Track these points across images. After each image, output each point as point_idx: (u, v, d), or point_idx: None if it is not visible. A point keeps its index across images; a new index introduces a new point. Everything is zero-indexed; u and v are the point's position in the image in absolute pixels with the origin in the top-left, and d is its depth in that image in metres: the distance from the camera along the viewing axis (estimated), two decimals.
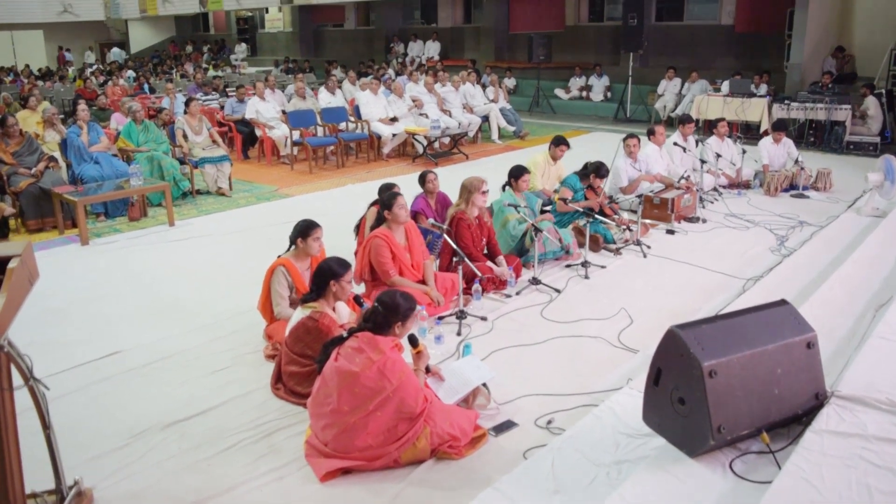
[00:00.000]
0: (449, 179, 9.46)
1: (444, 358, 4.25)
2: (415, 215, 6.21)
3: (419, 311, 3.71)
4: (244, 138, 11.06)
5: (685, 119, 8.54)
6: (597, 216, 5.93)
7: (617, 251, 6.20)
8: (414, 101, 11.58)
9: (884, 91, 11.25)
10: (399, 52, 20.97)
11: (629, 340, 4.44)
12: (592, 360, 4.22)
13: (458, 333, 4.59)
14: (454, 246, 4.83)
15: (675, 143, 8.19)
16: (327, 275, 3.84)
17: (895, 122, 11.70)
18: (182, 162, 8.58)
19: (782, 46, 13.79)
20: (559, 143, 7.55)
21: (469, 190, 5.42)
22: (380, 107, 11.01)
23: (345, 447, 3.22)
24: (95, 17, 28.09)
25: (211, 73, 20.40)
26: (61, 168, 7.72)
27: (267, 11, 26.42)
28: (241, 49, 26.44)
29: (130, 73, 20.79)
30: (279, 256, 4.55)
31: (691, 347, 2.61)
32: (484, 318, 4.81)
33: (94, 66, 23.81)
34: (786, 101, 11.43)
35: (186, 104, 9.10)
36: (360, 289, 5.14)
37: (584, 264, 5.72)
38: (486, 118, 12.49)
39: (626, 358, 4.24)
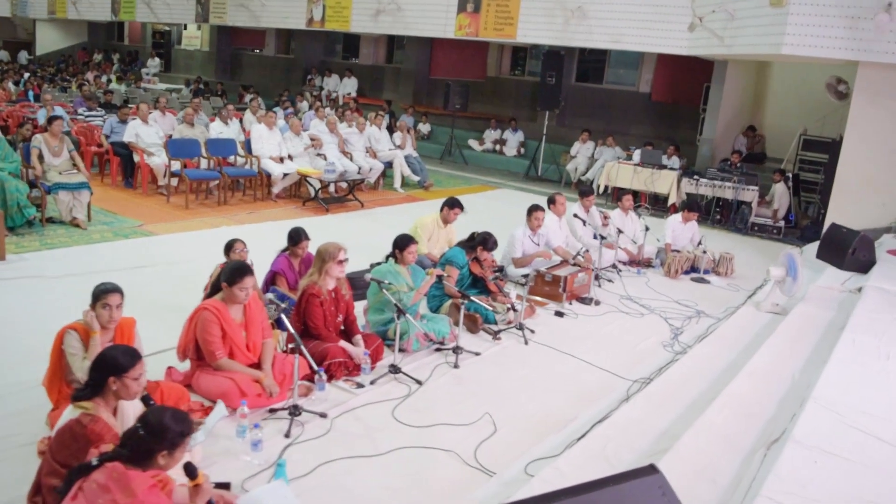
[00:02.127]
0: (342, 228, 8.80)
1: (259, 471, 3.46)
2: (273, 276, 5.47)
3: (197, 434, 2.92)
4: (124, 163, 10.02)
5: (586, 191, 8.11)
6: (473, 299, 5.30)
7: (496, 335, 5.56)
8: (312, 139, 10.84)
9: (790, 175, 11.24)
10: (316, 84, 20.25)
11: (486, 458, 3.76)
12: (439, 484, 3.52)
13: (287, 435, 3.81)
14: (290, 329, 4.07)
15: (576, 216, 7.72)
16: (107, 368, 3.03)
17: (799, 207, 11.73)
18: (33, 185, 7.55)
19: (697, 119, 13.81)
20: (453, 205, 6.97)
21: (323, 258, 4.69)
22: (273, 143, 10.21)
23: None
24: (1, 12, 26.31)
25: (114, 85, 19.15)
26: None
27: (185, 28, 25.29)
28: (155, 63, 25.16)
29: (27, 75, 19.33)
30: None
31: None
32: (323, 415, 4.04)
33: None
34: (695, 176, 11.27)
35: (49, 122, 8.09)
36: (184, 365, 4.32)
37: (456, 350, 5.05)
38: (389, 164, 11.86)
39: (478, 482, 3.56)
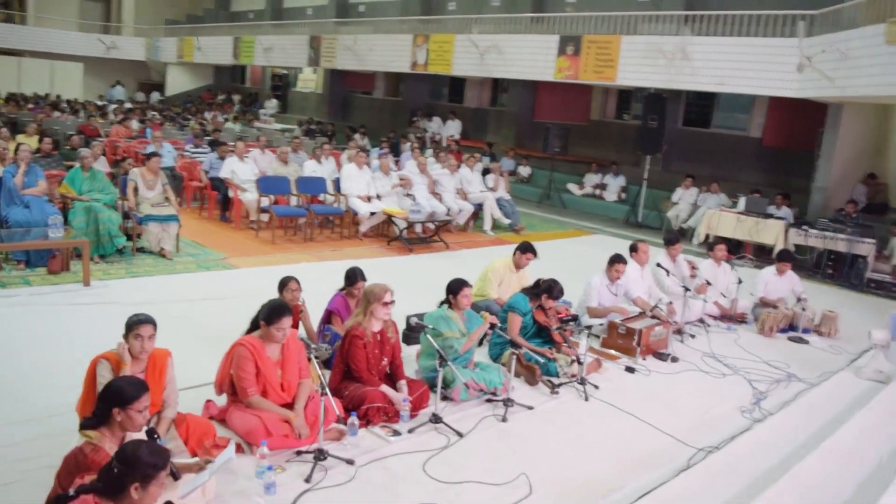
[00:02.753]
0: (424, 268, 8.71)
1: None
2: (328, 315, 5.42)
3: (171, 475, 2.79)
4: (221, 198, 10.43)
5: (672, 239, 7.66)
6: (529, 347, 5.03)
7: (554, 388, 5.23)
8: (401, 179, 10.91)
9: None
10: (421, 126, 20.58)
11: None
12: None
13: (307, 480, 3.67)
14: (318, 372, 3.95)
15: (659, 265, 7.27)
16: (112, 399, 3.01)
17: None
18: (127, 216, 7.95)
19: (811, 166, 12.93)
20: (525, 250, 6.73)
21: (369, 300, 4.57)
22: (362, 182, 10.33)
23: None
24: (137, 56, 28.57)
25: (229, 124, 20.15)
26: None
27: (301, 71, 26.49)
28: (272, 105, 26.46)
29: (153, 114, 20.71)
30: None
31: None
32: (350, 462, 3.88)
33: (123, 104, 23.96)
34: (804, 227, 10.48)
35: (147, 157, 8.52)
36: (220, 400, 4.28)
37: (507, 402, 4.78)
38: (480, 206, 11.75)
39: None
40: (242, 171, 10.12)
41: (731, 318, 7.50)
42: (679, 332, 6.78)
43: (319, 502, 3.52)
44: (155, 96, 27.74)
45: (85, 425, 3.03)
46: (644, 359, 6.11)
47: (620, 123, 17.74)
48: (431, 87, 21.91)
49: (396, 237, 9.95)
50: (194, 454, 3.70)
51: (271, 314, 4.03)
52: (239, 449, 3.81)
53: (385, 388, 4.54)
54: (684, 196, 13.20)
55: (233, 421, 4.03)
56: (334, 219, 10.45)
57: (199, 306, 6.51)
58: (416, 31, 17.86)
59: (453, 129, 19.91)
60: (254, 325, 4.32)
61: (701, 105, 15.92)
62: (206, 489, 3.37)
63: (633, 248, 7.23)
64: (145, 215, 7.91)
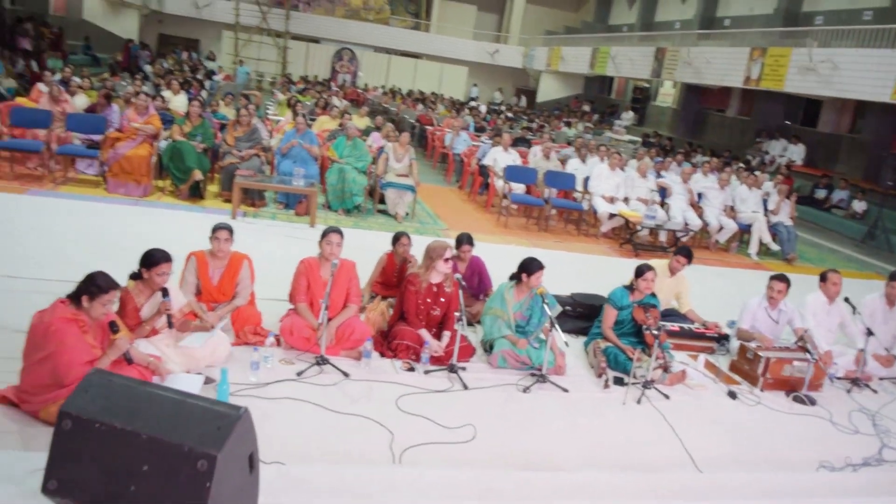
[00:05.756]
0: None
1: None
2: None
3: (109, 300, 3.64)
4: (484, 181, 11.53)
5: None
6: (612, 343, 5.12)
7: (606, 383, 5.12)
8: (662, 186, 10.73)
9: None
10: (763, 148, 19.21)
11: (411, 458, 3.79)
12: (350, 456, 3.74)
13: (298, 374, 4.45)
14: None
15: (846, 300, 6.25)
16: (143, 261, 4.13)
17: None
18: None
19: None
20: (679, 253, 6.49)
21: (430, 255, 5.11)
22: (611, 183, 10.45)
23: (16, 383, 3.58)
24: (515, 64, 31.41)
25: (571, 131, 21.16)
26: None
27: (662, 85, 26.42)
28: (628, 116, 26.92)
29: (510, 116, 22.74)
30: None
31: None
32: (345, 374, 4.54)
33: (497, 105, 26.78)
34: None
35: (399, 133, 10.00)
36: None
37: (541, 377, 4.90)
38: (749, 227, 10.92)
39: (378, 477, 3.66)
40: (503, 160, 11.02)
41: None
42: (855, 381, 5.85)
43: (292, 389, 4.26)
44: (515, 99, 30.20)
45: (131, 276, 4.21)
46: (767, 391, 5.48)
47: None
48: (785, 108, 20.22)
49: (627, 240, 9.93)
50: (237, 334, 4.74)
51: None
52: (276, 342, 4.74)
53: (423, 331, 5.04)
54: None
55: (281, 319, 4.96)
56: (578, 215, 10.72)
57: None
58: (773, 44, 16.76)
59: (796, 153, 18.23)
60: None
61: None
62: (218, 349, 4.36)
63: (822, 278, 6.36)
64: (386, 182, 9.30)
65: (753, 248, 10.85)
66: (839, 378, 5.95)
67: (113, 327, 3.61)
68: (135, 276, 4.18)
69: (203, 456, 2.21)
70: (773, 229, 10.95)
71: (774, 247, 10.90)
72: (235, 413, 2.34)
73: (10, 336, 4.09)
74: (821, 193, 15.40)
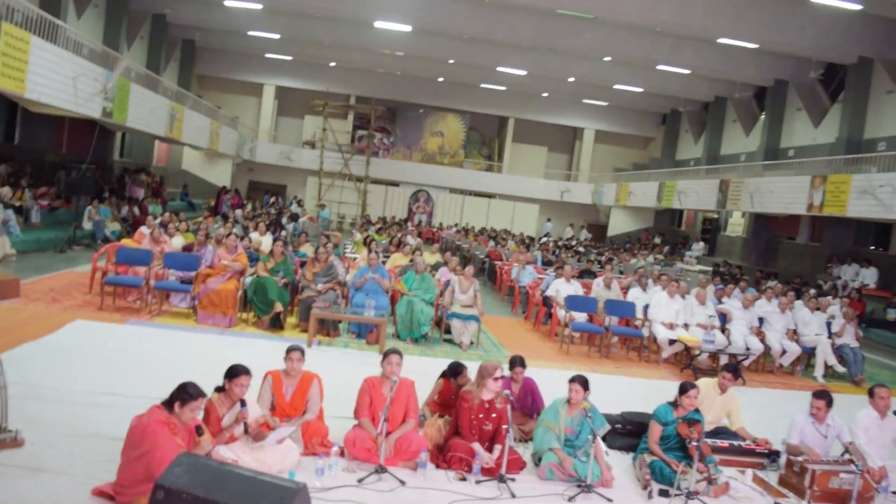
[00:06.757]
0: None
1: None
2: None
3: (198, 404, 4.31)
4: (547, 312, 12.01)
5: None
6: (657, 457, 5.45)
7: (650, 494, 5.34)
8: (722, 312, 10.95)
9: None
10: (833, 273, 19.08)
11: None
12: None
13: (360, 480, 4.90)
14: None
15: (895, 413, 6.31)
16: (227, 373, 4.81)
17: None
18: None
19: None
20: (726, 369, 6.81)
21: (482, 375, 5.63)
22: (671, 310, 10.75)
23: (115, 478, 4.17)
24: (585, 200, 32.46)
25: (639, 262, 21.56)
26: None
27: (731, 215, 26.74)
28: (699, 247, 27.18)
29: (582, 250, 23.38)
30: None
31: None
32: (402, 482, 4.97)
33: (567, 240, 27.58)
34: None
35: (464, 267, 10.69)
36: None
37: (587, 488, 5.20)
38: (813, 350, 10.91)
39: None
40: (565, 290, 11.53)
41: None
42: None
43: (353, 493, 4.71)
44: (584, 234, 30.91)
45: (216, 389, 4.86)
46: (810, 503, 5.56)
47: None
48: (856, 233, 20.19)
49: (688, 365, 10.10)
50: (305, 445, 5.28)
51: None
52: (340, 452, 5.25)
53: (476, 445, 5.45)
54: None
55: (346, 432, 5.48)
56: (640, 342, 10.99)
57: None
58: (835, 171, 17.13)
59: (868, 277, 18.05)
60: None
61: None
62: (288, 456, 4.89)
63: (871, 394, 6.46)
64: (451, 312, 9.93)
65: (819, 371, 10.81)
66: (895, 492, 5.94)
67: (199, 431, 4.22)
68: (219, 390, 4.84)
69: None
70: (839, 352, 10.92)
71: (840, 369, 10.82)
72: (296, 487, 2.87)
73: (110, 443, 4.77)
74: (892, 314, 15.16)
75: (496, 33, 22.33)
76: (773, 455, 6.40)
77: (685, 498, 5.27)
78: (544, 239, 25.81)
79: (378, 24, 23.12)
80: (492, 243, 20.36)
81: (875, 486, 5.79)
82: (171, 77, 26.57)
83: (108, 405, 5.80)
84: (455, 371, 6.39)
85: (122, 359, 7.30)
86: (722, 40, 20.05)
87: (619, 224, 31.95)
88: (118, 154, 23.80)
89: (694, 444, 5.62)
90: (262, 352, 8.08)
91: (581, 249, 22.99)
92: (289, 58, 30.44)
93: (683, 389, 5.90)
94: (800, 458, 5.90)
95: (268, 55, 30.33)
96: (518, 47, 24.32)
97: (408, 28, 23.28)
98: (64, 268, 12.27)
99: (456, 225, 28.93)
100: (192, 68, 29.46)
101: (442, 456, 5.48)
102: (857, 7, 16.48)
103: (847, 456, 5.91)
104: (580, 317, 11.02)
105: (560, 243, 25.13)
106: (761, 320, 11.18)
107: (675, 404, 5.97)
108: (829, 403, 6.19)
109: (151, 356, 7.55)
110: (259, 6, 23.03)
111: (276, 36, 26.78)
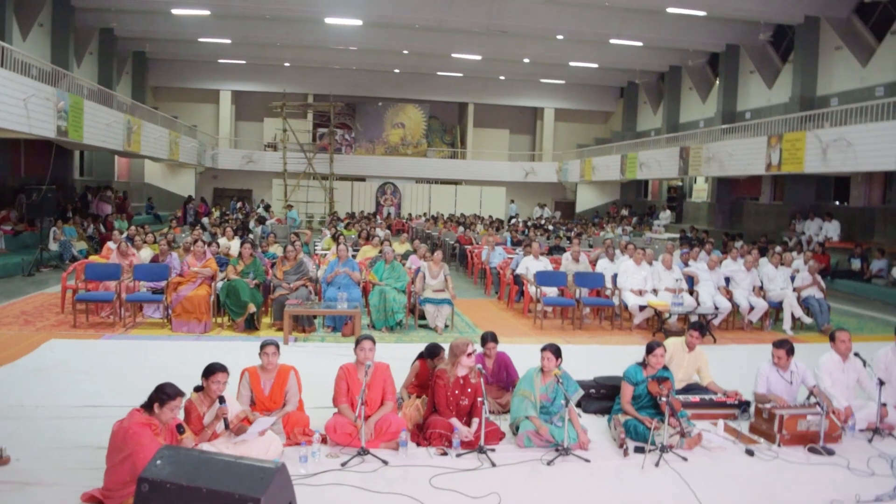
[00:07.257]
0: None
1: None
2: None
3: (175, 404, 4.40)
4: (519, 290, 12.19)
5: None
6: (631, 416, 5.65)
7: (626, 451, 5.53)
8: (689, 275, 11.21)
9: None
10: (797, 229, 19.52)
11: None
12: None
13: (343, 464, 5.02)
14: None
15: (856, 354, 6.56)
16: (204, 372, 4.89)
17: None
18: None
19: None
20: (692, 328, 7.01)
21: (454, 353, 5.75)
22: (638, 277, 10.99)
23: (102, 483, 4.24)
24: (550, 179, 32.75)
25: (608, 234, 21.90)
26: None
27: (695, 181, 27.17)
28: (666, 215, 27.57)
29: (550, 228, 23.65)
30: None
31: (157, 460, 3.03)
32: (384, 462, 5.10)
33: (536, 220, 27.82)
34: None
35: (432, 252, 10.81)
36: None
37: (563, 450, 5.37)
38: (779, 305, 11.23)
39: None
40: (534, 267, 11.71)
41: None
42: (877, 431, 6.11)
43: (337, 476, 4.83)
44: (546, 212, 31.20)
45: (195, 389, 4.95)
46: (784, 446, 5.79)
47: None
48: (817, 189, 20.66)
49: (659, 329, 10.35)
50: (287, 435, 5.38)
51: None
52: (322, 440, 5.36)
53: (454, 420, 5.59)
54: None
55: (327, 420, 5.60)
56: (611, 310, 11.22)
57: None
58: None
59: (832, 230, 18.51)
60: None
61: None
62: (271, 447, 4.99)
63: (832, 338, 6.72)
64: (423, 298, 10.06)
65: (787, 324, 11.13)
66: (861, 430, 6.20)
67: (180, 429, 4.31)
68: (198, 389, 4.93)
69: (249, 500, 2.84)
70: (805, 304, 11.24)
71: (808, 320, 11.14)
72: (274, 466, 2.98)
73: (95, 452, 4.84)
74: (856, 264, 15.59)
75: (448, 20, 22.41)
76: (743, 405, 6.62)
77: (660, 452, 5.46)
78: (514, 220, 26.03)
79: (329, 21, 23.12)
80: (461, 229, 20.51)
81: (841, 425, 6.06)
82: (125, 90, 26.31)
83: (91, 417, 5.84)
84: (432, 352, 6.51)
85: (100, 373, 7.33)
86: (671, 10, 20.34)
87: (586, 200, 32.31)
88: (78, 173, 23.56)
89: (664, 400, 5.84)
90: (239, 353, 8.11)
91: (550, 227, 23.24)
92: (242, 62, 30.28)
93: (650, 349, 6.09)
94: (768, 406, 6.13)
95: (221, 61, 30.16)
96: (471, 32, 24.44)
97: (359, 22, 23.29)
98: (34, 290, 12.19)
99: (424, 214, 29.03)
100: (145, 80, 29.17)
101: (422, 434, 5.62)
102: None
103: (813, 399, 6.15)
104: (551, 291, 11.21)
105: (530, 223, 25.37)
106: (728, 280, 11.46)
107: (643, 364, 6.17)
108: (790, 352, 6.43)
109: (130, 368, 7.58)
110: (207, 12, 22.90)
111: (228, 41, 26.65)
